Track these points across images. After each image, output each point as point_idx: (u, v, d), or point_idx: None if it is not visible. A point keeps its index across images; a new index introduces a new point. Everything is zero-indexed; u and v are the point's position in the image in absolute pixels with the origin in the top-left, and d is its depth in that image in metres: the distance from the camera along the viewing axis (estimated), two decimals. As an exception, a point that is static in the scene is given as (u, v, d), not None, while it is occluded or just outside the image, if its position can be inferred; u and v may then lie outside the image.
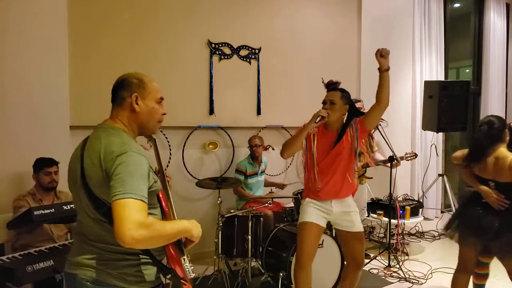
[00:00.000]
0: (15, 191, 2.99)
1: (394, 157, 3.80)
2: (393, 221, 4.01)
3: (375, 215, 4.36)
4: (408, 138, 5.57)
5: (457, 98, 4.87)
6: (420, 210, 4.50)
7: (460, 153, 2.86)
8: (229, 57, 4.21)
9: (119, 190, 1.24)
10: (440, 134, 5.51)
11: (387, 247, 3.97)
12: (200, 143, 4.12)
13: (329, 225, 2.83)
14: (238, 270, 3.49)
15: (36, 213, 2.35)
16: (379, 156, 4.23)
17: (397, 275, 3.70)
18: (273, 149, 4.34)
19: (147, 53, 3.74)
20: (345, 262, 2.90)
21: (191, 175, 4.03)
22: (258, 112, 4.39)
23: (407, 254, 4.23)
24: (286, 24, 4.57)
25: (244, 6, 4.28)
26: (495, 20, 6.34)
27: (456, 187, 6.48)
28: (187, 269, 1.41)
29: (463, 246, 2.73)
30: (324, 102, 2.64)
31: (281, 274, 3.10)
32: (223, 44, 4.16)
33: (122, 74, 1.52)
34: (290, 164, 4.67)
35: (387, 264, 3.90)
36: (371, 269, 3.85)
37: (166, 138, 3.88)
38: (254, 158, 4.03)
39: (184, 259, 1.42)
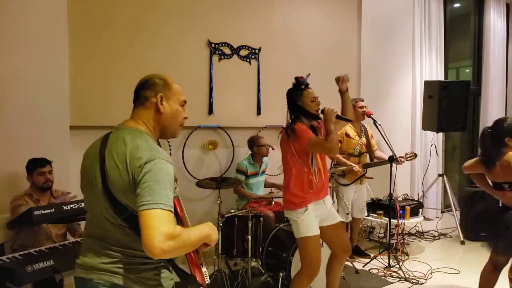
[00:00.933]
0: (14, 191, 2.98)
1: (394, 157, 3.80)
2: (393, 221, 4.01)
3: (375, 215, 4.36)
4: (408, 138, 5.57)
5: (457, 98, 4.87)
6: (420, 210, 4.50)
7: (469, 163, 2.87)
8: (229, 57, 4.21)
9: (148, 199, 1.21)
10: (440, 134, 5.50)
11: (387, 247, 3.97)
12: (200, 143, 4.12)
13: None
14: (238, 270, 3.49)
15: (36, 213, 2.35)
16: (381, 154, 4.24)
17: (397, 275, 3.70)
18: (273, 149, 4.34)
19: (147, 53, 3.74)
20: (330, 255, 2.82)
21: (191, 175, 4.03)
22: (258, 112, 4.39)
23: (407, 254, 4.23)
24: (286, 24, 4.57)
25: (244, 6, 4.28)
26: (495, 20, 6.34)
27: (456, 187, 6.48)
28: (205, 274, 1.41)
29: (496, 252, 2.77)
30: (313, 100, 2.62)
31: (281, 274, 3.10)
32: (223, 44, 4.16)
33: (145, 76, 1.49)
34: (290, 164, 4.66)
35: (387, 264, 3.90)
36: (371, 269, 3.85)
37: (166, 138, 3.87)
38: (256, 158, 4.03)
39: (202, 265, 1.42)
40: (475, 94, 6.44)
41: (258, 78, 4.37)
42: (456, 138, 6.73)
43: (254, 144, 4.01)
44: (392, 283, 3.58)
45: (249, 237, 3.23)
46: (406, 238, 4.62)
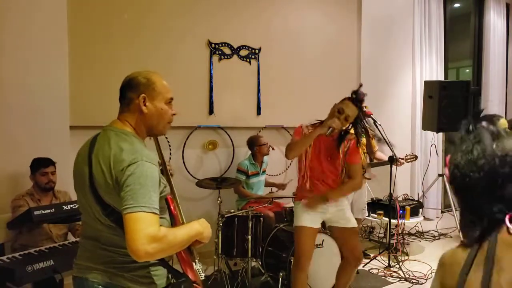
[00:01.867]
0: (14, 191, 2.98)
1: (394, 157, 3.79)
2: (393, 221, 4.01)
3: (375, 215, 4.36)
4: (408, 138, 5.57)
5: (457, 98, 4.87)
6: (420, 210, 4.50)
7: None
8: (229, 57, 4.21)
9: (131, 203, 1.22)
10: (440, 134, 5.50)
11: (387, 247, 3.97)
12: (200, 143, 4.12)
13: (323, 224, 2.84)
14: (238, 270, 3.49)
15: (36, 213, 2.35)
16: (381, 155, 4.23)
17: (397, 275, 3.70)
18: (273, 149, 4.34)
19: (147, 53, 3.74)
20: (341, 260, 2.90)
21: (191, 175, 4.03)
22: (258, 112, 4.39)
23: (407, 254, 4.23)
24: (286, 24, 4.57)
25: (244, 6, 4.28)
26: (495, 20, 6.34)
27: (456, 187, 6.48)
28: (198, 271, 1.41)
29: None
30: (340, 112, 2.49)
31: (281, 274, 3.10)
32: (223, 44, 4.16)
33: (131, 73, 1.47)
34: (290, 164, 4.67)
35: (387, 264, 3.89)
36: (371, 269, 3.85)
37: (166, 138, 3.87)
38: (257, 157, 4.03)
39: (195, 262, 1.42)
40: (475, 94, 6.44)
41: (258, 78, 4.37)
42: (456, 138, 6.72)
43: (255, 144, 4.01)
44: (392, 283, 3.58)
45: (249, 237, 3.23)
46: (406, 238, 4.61)
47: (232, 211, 3.50)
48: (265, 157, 4.14)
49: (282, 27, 4.53)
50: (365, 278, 3.67)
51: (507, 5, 6.63)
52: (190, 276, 1.37)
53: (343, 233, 2.72)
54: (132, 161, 1.27)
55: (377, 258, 4.02)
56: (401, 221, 4.13)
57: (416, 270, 3.80)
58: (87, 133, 1.49)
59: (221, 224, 3.27)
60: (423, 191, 5.35)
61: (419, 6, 5.51)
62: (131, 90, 1.42)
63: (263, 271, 3.34)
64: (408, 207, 4.23)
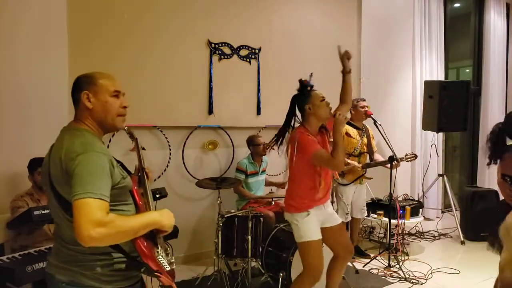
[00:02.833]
0: (14, 192, 2.98)
1: (394, 157, 3.79)
2: (393, 221, 4.01)
3: (375, 215, 4.36)
4: (408, 138, 5.57)
5: (457, 98, 4.87)
6: (420, 210, 4.50)
7: None
8: (229, 57, 4.21)
9: (77, 190, 1.25)
10: (440, 134, 5.50)
11: (387, 247, 3.97)
12: (200, 143, 4.11)
13: None
14: (238, 270, 3.49)
15: (36, 213, 2.35)
16: (378, 157, 4.23)
17: (397, 275, 3.69)
18: (273, 149, 4.33)
19: (147, 53, 3.74)
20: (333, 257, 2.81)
21: (191, 175, 4.02)
22: (258, 112, 4.39)
23: (407, 254, 4.23)
24: (286, 24, 4.56)
25: (244, 6, 4.27)
26: (495, 20, 6.34)
27: (456, 187, 6.49)
28: (161, 262, 1.40)
29: None
30: (323, 99, 2.57)
31: (281, 274, 3.10)
32: (223, 44, 4.16)
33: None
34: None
35: (387, 264, 3.89)
36: (371, 269, 3.85)
37: (166, 138, 3.87)
38: (256, 157, 4.03)
39: (157, 252, 1.42)
40: (475, 94, 6.44)
41: (258, 78, 4.37)
42: (456, 138, 6.73)
43: (251, 143, 4.02)
44: (392, 283, 3.58)
45: (249, 237, 3.22)
46: (406, 238, 4.61)
47: (232, 211, 3.50)
48: (265, 157, 4.14)
49: (282, 27, 4.53)
50: (365, 278, 3.67)
51: (507, 5, 6.62)
52: (151, 266, 1.38)
53: (334, 230, 2.66)
54: (80, 151, 1.32)
55: (377, 258, 4.02)
56: (401, 221, 4.13)
57: (416, 270, 3.79)
58: (86, 133, 1.51)
59: (221, 224, 3.27)
60: (423, 191, 5.35)
61: (419, 6, 5.51)
62: (76, 90, 1.48)
63: (263, 271, 3.34)
64: (408, 207, 4.23)
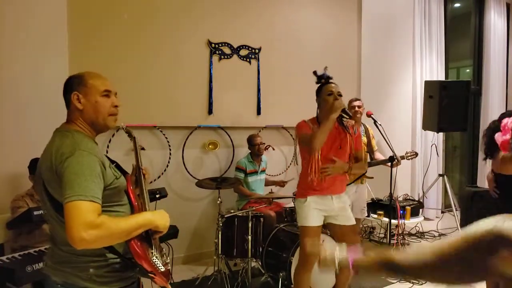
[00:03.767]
0: (14, 192, 2.98)
1: (395, 157, 3.79)
2: (393, 221, 4.00)
3: (375, 215, 4.35)
4: (408, 138, 5.56)
5: (458, 98, 4.86)
6: (421, 210, 4.49)
7: None
8: (229, 57, 4.20)
9: (68, 192, 1.25)
10: (441, 134, 5.50)
11: (388, 247, 3.96)
12: (200, 143, 4.11)
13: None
14: (238, 270, 3.49)
15: (36, 213, 2.36)
16: (379, 156, 4.23)
17: (398, 275, 3.69)
18: (273, 149, 4.34)
19: (147, 53, 3.74)
20: None
21: (191, 175, 4.02)
22: (258, 112, 4.39)
23: (407, 254, 4.22)
24: (286, 24, 4.56)
25: (244, 6, 4.27)
26: (495, 20, 6.34)
27: (456, 187, 6.48)
28: (156, 262, 1.40)
29: None
30: (330, 94, 2.55)
31: (281, 274, 3.10)
32: (223, 44, 4.16)
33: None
34: (291, 163, 4.66)
35: (387, 264, 3.88)
36: (371, 269, 3.84)
37: (166, 138, 3.87)
38: (255, 156, 4.03)
39: (152, 253, 1.41)
40: (476, 94, 6.44)
41: (258, 78, 4.37)
42: (457, 138, 6.72)
43: (249, 143, 4.03)
44: (393, 283, 3.57)
45: (249, 237, 3.22)
46: (406, 238, 4.61)
47: (232, 211, 3.50)
48: (264, 157, 4.14)
49: (282, 27, 4.53)
50: (365, 278, 3.66)
51: (508, 5, 6.62)
52: (145, 267, 1.37)
53: (344, 230, 2.67)
54: (69, 153, 1.31)
55: (377, 258, 4.01)
56: (401, 221, 4.12)
57: (416, 270, 3.79)
58: (86, 133, 1.50)
59: (221, 224, 3.27)
60: (423, 191, 5.34)
61: (420, 6, 5.50)
62: (66, 92, 1.49)
63: (263, 272, 3.34)
64: (408, 207, 4.23)
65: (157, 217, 1.42)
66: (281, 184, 4.23)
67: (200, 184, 3.48)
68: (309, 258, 2.59)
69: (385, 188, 4.07)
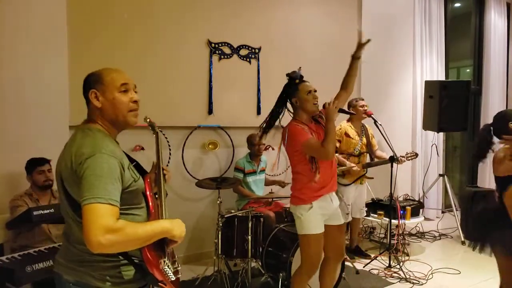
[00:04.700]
0: (13, 191, 2.98)
1: (395, 157, 3.79)
2: (393, 221, 4.00)
3: (375, 215, 4.35)
4: (408, 138, 5.56)
5: (458, 98, 4.86)
6: (421, 210, 4.49)
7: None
8: (229, 56, 4.20)
9: (86, 195, 1.23)
10: (441, 134, 5.50)
11: (388, 247, 3.96)
12: (200, 143, 4.11)
13: None
14: (238, 270, 3.49)
15: (35, 213, 2.35)
16: (382, 154, 4.23)
17: (398, 275, 3.69)
18: (273, 149, 4.33)
19: (147, 53, 3.73)
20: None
21: (191, 175, 4.02)
22: (258, 112, 4.38)
23: (407, 255, 4.22)
24: (286, 23, 4.56)
25: (244, 5, 4.27)
26: (495, 20, 6.33)
27: (456, 187, 6.48)
28: (167, 272, 1.38)
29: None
30: (310, 92, 2.56)
31: (281, 274, 3.09)
32: (223, 44, 4.15)
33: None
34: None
35: (387, 265, 3.89)
36: (371, 269, 3.84)
37: (166, 138, 3.87)
38: (254, 156, 4.02)
39: (164, 262, 1.39)
40: (476, 93, 6.43)
41: (258, 78, 4.36)
42: (457, 138, 6.72)
43: (249, 142, 4.04)
44: (393, 283, 3.57)
45: (249, 237, 3.22)
46: (406, 239, 4.60)
47: (232, 211, 3.50)
48: (263, 157, 4.13)
49: (282, 26, 4.52)
50: (365, 278, 3.66)
51: (508, 5, 6.62)
52: (156, 275, 1.36)
53: (333, 230, 2.62)
54: (90, 154, 1.30)
55: (377, 258, 4.01)
56: (401, 221, 4.12)
57: (416, 270, 3.79)
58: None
59: (221, 225, 3.27)
60: (423, 191, 5.34)
61: (420, 6, 5.50)
62: (85, 91, 1.46)
63: (263, 272, 3.34)
64: (408, 207, 4.22)
65: (174, 226, 1.39)
66: (282, 184, 4.23)
67: (200, 184, 3.47)
68: (315, 268, 2.55)
69: (385, 188, 4.07)
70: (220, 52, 4.14)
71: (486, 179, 6.17)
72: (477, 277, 3.66)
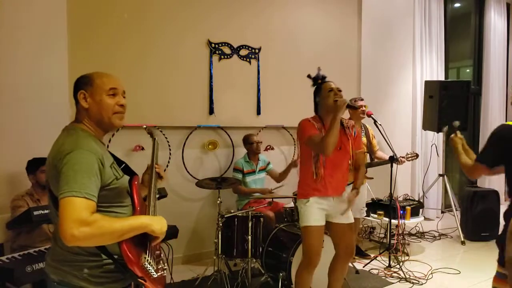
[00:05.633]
0: (13, 191, 2.98)
1: (395, 157, 3.79)
2: (393, 221, 4.00)
3: (375, 215, 4.35)
4: (408, 138, 5.56)
5: (458, 98, 4.87)
6: (421, 210, 4.49)
7: None
8: (229, 56, 4.20)
9: (64, 188, 1.25)
10: (441, 134, 5.49)
11: (388, 247, 3.96)
12: (199, 143, 4.11)
13: None
14: (238, 270, 3.49)
15: (35, 213, 2.35)
16: (382, 154, 4.23)
17: (398, 275, 3.69)
18: (272, 149, 4.33)
19: (147, 52, 3.73)
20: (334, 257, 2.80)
21: (191, 175, 4.02)
22: (258, 112, 4.39)
23: (407, 255, 4.22)
24: (286, 23, 4.56)
25: (244, 5, 4.27)
26: (495, 20, 6.34)
27: (456, 187, 6.48)
28: (148, 268, 1.38)
29: None
30: (331, 90, 2.56)
31: (281, 274, 3.09)
32: (223, 44, 4.16)
33: None
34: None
35: (387, 265, 3.89)
36: (371, 269, 3.85)
37: (166, 138, 3.87)
38: (252, 156, 4.02)
39: (144, 258, 1.39)
40: (476, 94, 6.44)
41: (258, 78, 4.37)
42: (457, 138, 6.71)
43: (246, 142, 4.03)
44: (393, 283, 3.57)
45: (249, 237, 3.22)
46: (406, 238, 4.60)
47: (232, 211, 3.50)
48: (262, 156, 4.13)
49: (282, 26, 4.53)
50: (365, 278, 3.66)
51: (508, 5, 6.63)
52: (136, 272, 1.35)
53: (341, 229, 2.66)
54: (70, 150, 1.32)
55: (377, 258, 4.02)
56: (401, 221, 4.12)
57: (416, 270, 3.79)
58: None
59: (221, 224, 3.27)
60: (423, 191, 5.34)
61: (420, 6, 5.50)
62: (75, 92, 1.49)
63: (263, 272, 3.34)
64: (408, 207, 4.22)
65: (154, 221, 1.40)
66: (293, 164, 4.03)
67: (200, 184, 3.47)
68: (312, 259, 2.58)
69: (385, 188, 4.07)
70: (220, 52, 4.14)
71: (486, 179, 6.18)
72: (477, 277, 3.66)
